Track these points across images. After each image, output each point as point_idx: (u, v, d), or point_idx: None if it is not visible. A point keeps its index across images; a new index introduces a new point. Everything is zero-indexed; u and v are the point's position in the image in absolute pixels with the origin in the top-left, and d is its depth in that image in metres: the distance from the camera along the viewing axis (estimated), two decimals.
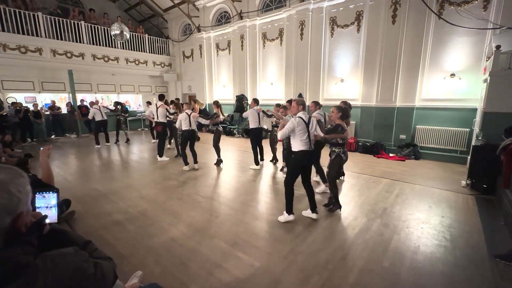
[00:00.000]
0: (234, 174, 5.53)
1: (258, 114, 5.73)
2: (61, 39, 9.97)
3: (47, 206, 1.09)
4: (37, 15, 9.30)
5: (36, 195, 1.06)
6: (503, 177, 3.40)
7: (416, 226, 3.24)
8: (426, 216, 3.54)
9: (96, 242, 1.08)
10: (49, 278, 0.72)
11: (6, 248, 0.74)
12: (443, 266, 2.47)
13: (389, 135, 7.22)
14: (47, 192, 1.09)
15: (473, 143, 4.97)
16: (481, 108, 4.84)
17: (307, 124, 3.24)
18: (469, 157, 5.22)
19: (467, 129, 6.13)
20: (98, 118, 8.43)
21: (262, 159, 6.12)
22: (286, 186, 3.32)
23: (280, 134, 3.35)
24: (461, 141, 6.26)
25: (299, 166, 3.35)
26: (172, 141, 8.21)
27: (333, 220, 3.45)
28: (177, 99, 8.93)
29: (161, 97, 7.06)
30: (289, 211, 3.34)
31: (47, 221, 0.91)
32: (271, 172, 5.68)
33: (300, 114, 3.32)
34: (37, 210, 1.03)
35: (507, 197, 3.34)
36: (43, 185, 1.72)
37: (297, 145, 3.28)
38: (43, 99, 11.02)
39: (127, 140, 9.20)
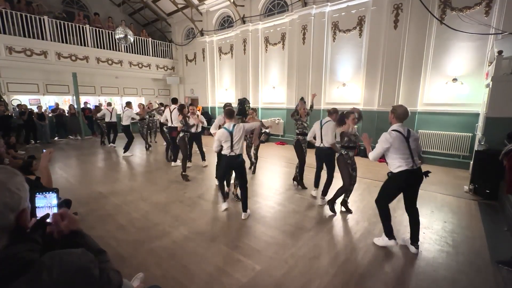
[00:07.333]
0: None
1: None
2: (66, 43, 10.10)
3: (48, 206, 1.11)
4: (43, 19, 9.44)
5: (37, 195, 1.07)
6: (506, 183, 3.38)
7: None
8: (428, 221, 3.52)
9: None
10: (53, 274, 0.73)
11: (12, 245, 0.76)
12: (445, 272, 2.46)
13: None
14: (48, 192, 1.11)
15: (475, 148, 4.95)
16: (484, 113, 4.84)
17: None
18: (471, 162, 5.20)
19: (470, 134, 6.10)
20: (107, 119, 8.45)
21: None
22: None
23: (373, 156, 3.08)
24: (464, 146, 6.23)
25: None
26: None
27: (335, 224, 3.44)
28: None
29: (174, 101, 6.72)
30: (389, 234, 2.83)
31: (48, 220, 0.93)
32: (272, 176, 5.68)
33: None
34: (39, 210, 1.05)
35: (510, 203, 3.32)
36: (43, 187, 1.75)
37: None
38: (47, 101, 11.14)
39: None
